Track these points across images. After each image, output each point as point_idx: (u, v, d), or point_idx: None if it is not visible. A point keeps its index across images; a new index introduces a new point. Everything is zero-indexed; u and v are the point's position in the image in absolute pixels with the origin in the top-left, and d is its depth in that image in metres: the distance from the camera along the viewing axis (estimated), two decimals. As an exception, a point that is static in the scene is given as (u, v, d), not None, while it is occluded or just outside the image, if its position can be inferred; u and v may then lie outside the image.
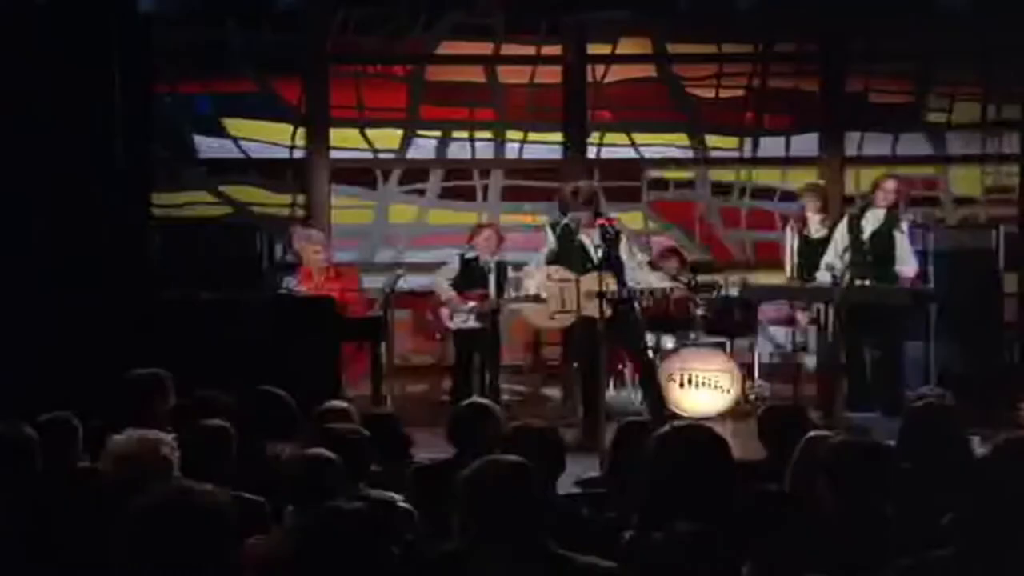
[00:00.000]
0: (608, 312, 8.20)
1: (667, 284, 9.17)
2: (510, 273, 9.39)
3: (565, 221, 8.49)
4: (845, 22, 10.73)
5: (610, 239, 8.35)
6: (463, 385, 9.18)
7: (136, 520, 3.26)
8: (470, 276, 9.37)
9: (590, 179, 9.73)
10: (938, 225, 10.17)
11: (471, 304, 9.28)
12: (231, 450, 4.91)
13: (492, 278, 9.31)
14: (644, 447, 4.48)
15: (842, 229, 9.14)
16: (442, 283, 9.38)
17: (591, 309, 8.04)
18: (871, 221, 9.02)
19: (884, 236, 8.94)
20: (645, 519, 3.70)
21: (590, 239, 8.38)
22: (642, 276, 8.55)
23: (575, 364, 8.83)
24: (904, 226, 8.96)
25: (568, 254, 8.32)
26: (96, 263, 9.18)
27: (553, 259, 8.60)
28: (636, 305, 8.86)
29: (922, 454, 4.64)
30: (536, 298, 8.85)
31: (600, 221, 8.35)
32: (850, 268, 8.96)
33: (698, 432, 3.96)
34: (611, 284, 8.23)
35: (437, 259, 9.83)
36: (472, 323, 9.28)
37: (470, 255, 9.42)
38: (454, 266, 9.43)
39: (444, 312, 9.38)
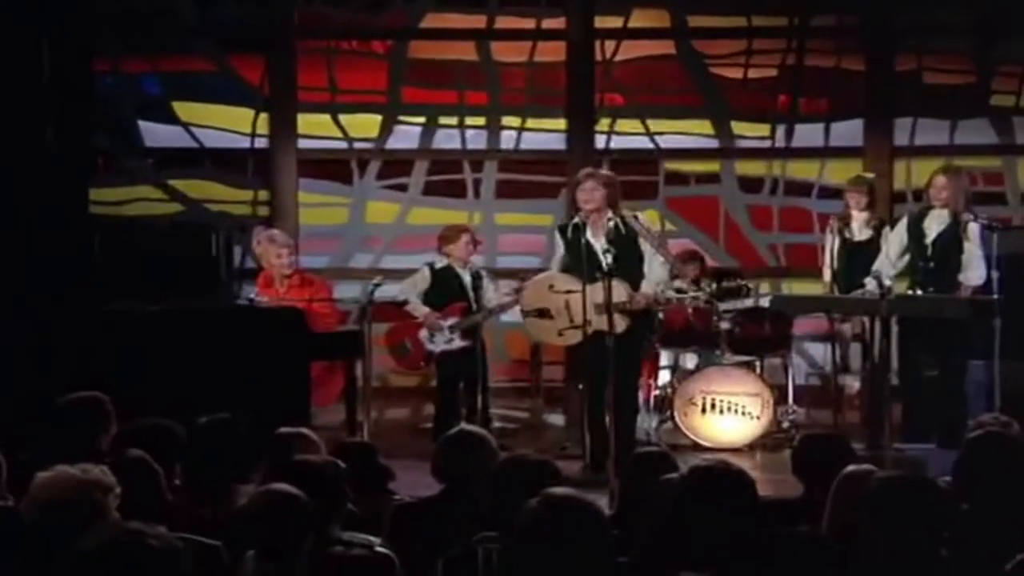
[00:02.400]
0: (622, 326, 8.22)
1: (688, 295, 9.20)
2: (487, 282, 9.41)
3: (575, 221, 8.47)
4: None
5: (624, 238, 8.37)
6: (448, 410, 9.19)
7: (77, 568, 3.27)
8: (445, 288, 9.38)
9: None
10: (1003, 225, 10.15)
11: (452, 320, 9.29)
12: (158, 485, 4.90)
13: (469, 288, 9.33)
14: (660, 483, 4.49)
15: (899, 231, 9.14)
16: (413, 299, 9.39)
17: (601, 323, 8.05)
18: (935, 223, 9.01)
19: (950, 241, 8.94)
20: (652, 568, 3.73)
21: (600, 240, 8.38)
22: (653, 280, 8.54)
23: (580, 386, 8.83)
24: (974, 229, 8.94)
25: (578, 260, 8.31)
26: (25, 269, 9.17)
27: (566, 267, 8.59)
28: (656, 319, 8.87)
29: (983, 492, 4.64)
30: (505, 308, 9.02)
31: (616, 216, 8.38)
32: (908, 276, 8.96)
33: (718, 471, 3.97)
34: (622, 293, 8.23)
35: (421, 265, 9.82)
36: (458, 342, 9.30)
37: (440, 264, 9.43)
38: (424, 278, 9.43)
39: (423, 334, 9.38)
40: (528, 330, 8.92)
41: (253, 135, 10.99)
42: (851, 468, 4.68)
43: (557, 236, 8.72)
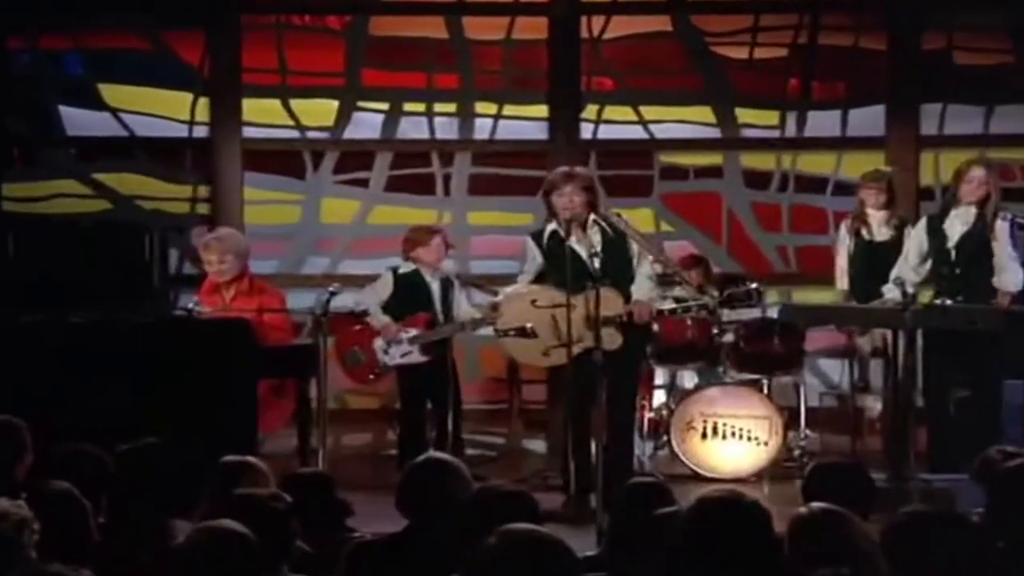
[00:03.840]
0: (617, 341, 8.23)
1: (692, 305, 9.22)
2: (458, 291, 9.42)
3: (552, 227, 8.48)
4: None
5: (612, 241, 8.38)
6: (414, 435, 9.19)
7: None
8: (410, 296, 9.37)
9: (585, 166, 9.77)
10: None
11: (412, 332, 9.29)
12: (85, 521, 4.89)
13: (437, 297, 9.34)
14: (655, 518, 4.49)
15: (920, 233, 9.16)
16: (373, 308, 9.39)
17: (592, 339, 8.06)
18: (958, 222, 9.04)
19: (977, 243, 8.96)
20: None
21: (584, 245, 8.38)
22: (645, 290, 8.54)
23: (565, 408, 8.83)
24: (1004, 227, 8.97)
25: (560, 269, 8.31)
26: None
27: (540, 278, 8.58)
28: (652, 330, 8.90)
29: (1020, 528, 4.66)
30: (479, 324, 9.11)
31: (599, 217, 8.40)
32: (931, 283, 8.98)
33: (730, 503, 3.96)
34: (617, 305, 8.25)
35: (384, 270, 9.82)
36: (416, 356, 9.29)
37: (405, 269, 9.43)
38: (386, 284, 9.43)
39: (378, 343, 9.38)
40: (507, 350, 8.90)
41: (191, 123, 10.98)
42: (801, 510, 4.67)
43: (531, 244, 8.69)
